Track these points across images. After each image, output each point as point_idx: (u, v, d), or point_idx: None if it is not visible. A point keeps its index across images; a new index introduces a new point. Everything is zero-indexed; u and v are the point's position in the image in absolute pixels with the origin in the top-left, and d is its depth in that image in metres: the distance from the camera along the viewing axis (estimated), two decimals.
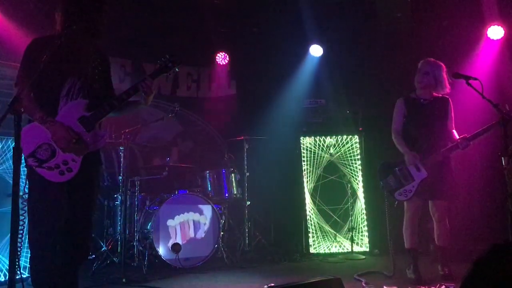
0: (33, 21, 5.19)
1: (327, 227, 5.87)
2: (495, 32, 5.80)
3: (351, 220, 5.81)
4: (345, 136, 6.06)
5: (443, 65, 4.35)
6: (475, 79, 3.81)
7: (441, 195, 4.23)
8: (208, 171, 5.69)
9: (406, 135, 4.34)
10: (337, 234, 5.85)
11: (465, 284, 1.08)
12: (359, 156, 5.99)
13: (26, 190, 2.78)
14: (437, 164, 4.17)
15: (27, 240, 2.81)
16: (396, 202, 4.36)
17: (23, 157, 2.58)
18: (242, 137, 5.96)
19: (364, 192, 5.91)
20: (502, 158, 3.47)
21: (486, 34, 5.84)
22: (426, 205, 4.40)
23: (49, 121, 2.73)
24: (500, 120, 3.65)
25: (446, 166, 4.23)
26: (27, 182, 2.78)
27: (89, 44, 2.92)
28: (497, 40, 5.83)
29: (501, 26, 5.77)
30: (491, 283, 1.04)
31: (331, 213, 5.89)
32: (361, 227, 5.86)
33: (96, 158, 2.95)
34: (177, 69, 3.10)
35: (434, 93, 4.37)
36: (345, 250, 5.76)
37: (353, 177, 5.96)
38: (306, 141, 6.07)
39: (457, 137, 4.20)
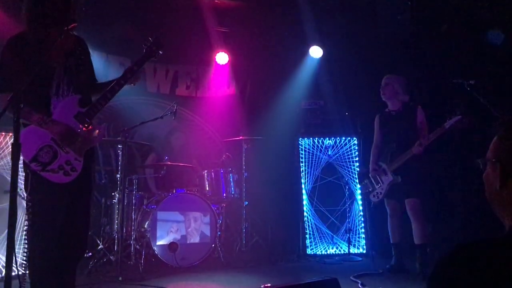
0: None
1: (324, 229, 5.87)
2: (495, 36, 5.81)
3: (348, 221, 5.81)
4: (343, 138, 6.06)
5: (399, 77, 4.94)
6: (474, 82, 3.84)
7: (411, 194, 4.62)
8: (206, 171, 5.69)
9: (384, 145, 4.90)
10: (334, 235, 5.85)
11: (429, 285, 1.09)
12: (357, 158, 5.99)
13: (22, 187, 2.76)
14: (404, 167, 4.59)
15: (24, 236, 2.80)
16: (372, 203, 4.95)
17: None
18: (241, 137, 5.96)
19: (362, 194, 5.91)
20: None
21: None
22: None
23: (49, 121, 2.68)
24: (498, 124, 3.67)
25: (413, 167, 4.59)
26: (29, 184, 2.72)
27: (65, 35, 2.78)
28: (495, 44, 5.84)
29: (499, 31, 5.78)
30: (454, 283, 1.05)
31: (329, 215, 5.90)
32: (358, 229, 5.87)
33: (92, 155, 2.93)
34: (160, 52, 3.05)
35: (403, 102, 4.84)
36: (342, 252, 5.76)
37: (351, 179, 5.97)
38: (305, 142, 6.07)
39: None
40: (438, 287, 1.07)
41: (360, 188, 5.00)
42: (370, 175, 4.91)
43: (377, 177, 4.82)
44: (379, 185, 4.79)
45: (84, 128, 2.78)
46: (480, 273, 1.01)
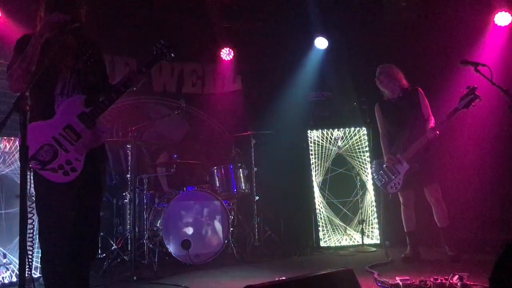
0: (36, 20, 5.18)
1: (337, 220, 5.83)
2: (502, 18, 5.73)
3: (361, 212, 5.77)
4: (352, 128, 6.01)
5: (392, 65, 4.84)
6: (484, 65, 3.78)
7: (429, 180, 4.60)
8: (215, 167, 5.68)
9: (393, 134, 4.79)
10: (347, 227, 5.81)
11: (496, 268, 1.08)
12: (367, 148, 5.94)
13: (32, 190, 2.76)
14: (418, 154, 4.55)
15: (38, 240, 2.80)
16: (390, 195, 4.84)
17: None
18: (249, 132, 5.95)
19: (374, 184, 5.86)
20: None
21: (493, 21, 5.76)
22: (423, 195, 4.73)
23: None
24: (510, 106, 3.62)
25: (427, 153, 4.57)
26: (33, 182, 2.75)
27: (76, 37, 2.83)
28: (504, 26, 5.75)
29: (508, 12, 5.69)
30: None
31: (341, 206, 5.86)
32: (371, 219, 5.82)
33: (100, 154, 2.89)
34: (172, 55, 3.01)
35: (402, 88, 4.73)
36: (356, 243, 5.73)
37: (361, 169, 5.92)
38: (314, 135, 6.03)
39: (432, 124, 4.54)
40: (506, 271, 1.07)
41: (376, 180, 4.90)
42: (385, 166, 4.79)
43: (393, 167, 4.71)
44: (396, 175, 4.69)
45: (87, 129, 2.76)
46: None
